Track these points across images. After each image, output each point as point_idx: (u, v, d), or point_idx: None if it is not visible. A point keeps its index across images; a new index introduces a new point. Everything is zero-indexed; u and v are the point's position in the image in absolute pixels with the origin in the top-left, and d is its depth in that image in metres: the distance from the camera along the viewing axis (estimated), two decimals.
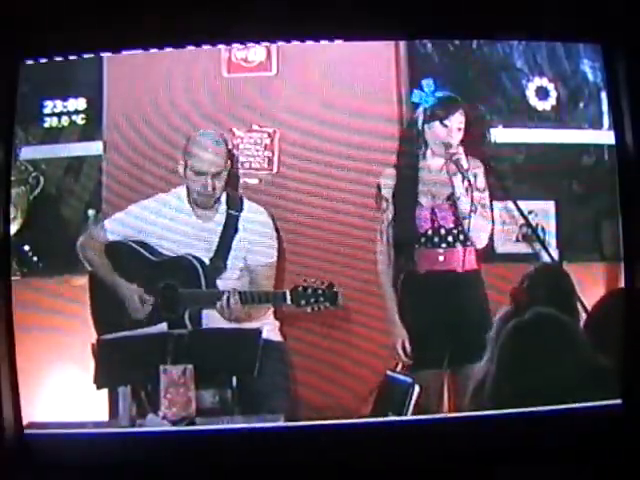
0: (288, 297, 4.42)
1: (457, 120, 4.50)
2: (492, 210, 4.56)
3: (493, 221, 4.57)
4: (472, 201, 4.48)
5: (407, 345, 4.48)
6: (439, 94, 4.51)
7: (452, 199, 4.52)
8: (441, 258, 4.50)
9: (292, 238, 4.60)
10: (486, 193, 4.52)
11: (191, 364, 4.15)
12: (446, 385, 4.49)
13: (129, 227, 4.55)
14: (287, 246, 4.60)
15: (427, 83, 4.51)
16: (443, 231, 4.51)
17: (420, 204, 4.52)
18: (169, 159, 4.58)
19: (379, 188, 4.53)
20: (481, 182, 4.52)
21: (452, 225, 4.52)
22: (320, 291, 4.40)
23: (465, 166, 4.48)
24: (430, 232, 4.51)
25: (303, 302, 4.40)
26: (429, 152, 4.53)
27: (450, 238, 4.51)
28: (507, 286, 4.24)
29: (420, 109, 4.52)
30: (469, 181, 4.48)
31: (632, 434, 3.89)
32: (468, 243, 4.51)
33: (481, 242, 4.53)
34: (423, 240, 4.51)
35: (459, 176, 4.49)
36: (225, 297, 4.42)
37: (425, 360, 4.47)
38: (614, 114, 4.06)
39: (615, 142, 4.05)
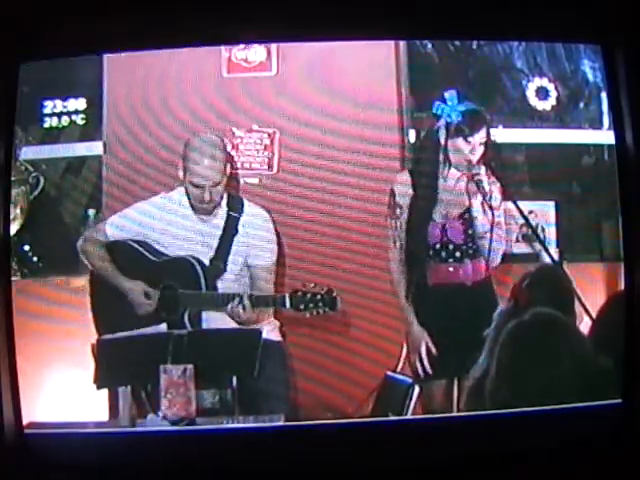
0: (287, 301, 4.42)
1: (480, 136, 4.41)
2: (505, 224, 4.51)
3: (506, 236, 4.53)
4: (490, 220, 4.43)
5: (424, 353, 4.45)
6: (462, 108, 4.40)
7: (465, 217, 4.46)
8: (450, 270, 4.45)
9: (292, 240, 4.60)
10: (502, 211, 4.47)
11: (191, 364, 4.15)
12: (447, 387, 4.49)
13: (129, 227, 4.55)
14: (287, 248, 4.60)
15: (450, 95, 4.40)
16: (451, 246, 4.47)
17: (432, 217, 4.46)
18: (169, 159, 4.58)
19: (393, 194, 4.49)
20: (496, 200, 4.45)
21: (462, 242, 4.46)
22: (319, 296, 4.38)
23: (486, 184, 4.40)
24: (438, 246, 4.46)
25: (302, 307, 4.40)
26: (450, 167, 4.45)
27: (458, 254, 4.46)
28: (507, 286, 4.24)
29: (442, 122, 4.43)
30: (486, 199, 4.42)
31: (632, 434, 3.89)
32: (477, 258, 4.46)
33: (497, 260, 4.48)
34: (431, 253, 4.47)
35: (478, 194, 4.41)
36: (224, 300, 4.42)
37: (437, 368, 4.45)
38: (614, 114, 4.05)
39: (615, 142, 4.05)
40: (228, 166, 4.53)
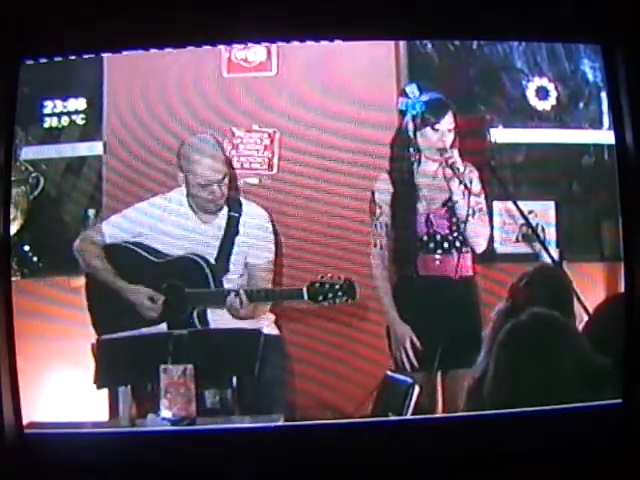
0: (305, 294, 4.41)
1: (447, 122, 4.48)
2: (491, 214, 4.55)
3: (492, 225, 4.56)
4: (469, 206, 4.46)
5: (409, 347, 4.48)
6: (425, 98, 4.48)
7: (448, 205, 4.50)
8: (437, 263, 4.49)
9: (292, 238, 4.60)
10: (482, 197, 4.51)
11: (191, 364, 4.15)
12: (445, 386, 4.50)
13: (127, 229, 4.54)
14: (285, 246, 4.60)
15: (410, 89, 4.49)
16: (439, 237, 4.50)
17: (416, 210, 4.51)
18: (169, 159, 4.58)
19: (373, 194, 4.52)
20: (477, 186, 4.50)
21: (447, 231, 4.50)
22: (337, 286, 4.39)
23: (461, 170, 4.46)
24: (425, 238, 4.50)
25: (321, 298, 4.39)
26: (423, 158, 4.51)
27: (446, 244, 4.50)
28: (507, 286, 4.24)
29: (408, 116, 4.50)
30: (465, 185, 4.46)
31: (632, 434, 3.89)
32: (464, 249, 4.50)
33: (480, 247, 4.52)
34: (419, 245, 4.50)
35: (456, 181, 4.47)
36: (234, 295, 4.42)
37: (423, 361, 4.47)
38: (614, 114, 4.05)
39: (615, 142, 4.05)
40: (231, 156, 4.54)
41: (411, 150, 4.51)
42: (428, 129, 4.48)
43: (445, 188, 4.50)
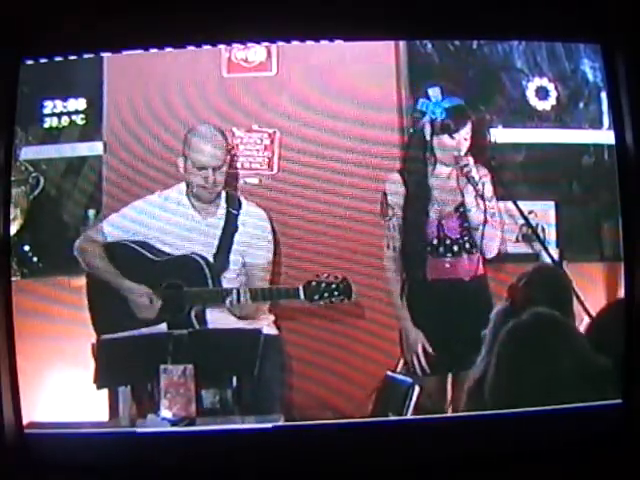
0: (301, 293, 4.41)
1: (465, 131, 4.46)
2: (501, 218, 4.54)
3: (503, 229, 4.55)
4: (484, 214, 4.44)
5: (421, 353, 4.47)
6: (446, 104, 4.45)
7: (460, 210, 4.49)
8: (447, 266, 4.48)
9: (291, 238, 4.59)
10: (494, 201, 4.49)
11: (191, 364, 4.15)
12: (454, 387, 4.49)
13: (129, 226, 4.54)
14: (285, 246, 4.60)
15: (434, 92, 4.46)
16: (448, 241, 4.49)
17: (427, 213, 4.49)
18: (169, 158, 4.58)
19: (385, 195, 4.51)
20: (489, 191, 4.48)
21: (458, 236, 4.49)
22: (334, 285, 4.39)
23: (476, 177, 4.44)
24: (436, 242, 4.49)
25: (317, 297, 4.40)
26: (437, 163, 4.49)
27: (455, 248, 4.49)
28: (505, 285, 4.24)
29: (427, 119, 4.48)
30: (478, 191, 4.44)
31: (632, 434, 3.89)
32: (474, 251, 4.48)
33: (492, 252, 4.50)
34: (429, 249, 4.49)
35: (469, 188, 4.46)
36: (235, 294, 4.42)
37: (435, 366, 4.47)
38: (614, 114, 4.05)
39: (615, 142, 4.05)
40: (228, 156, 4.54)
41: (426, 153, 4.49)
42: (445, 136, 4.46)
43: (458, 194, 4.48)
